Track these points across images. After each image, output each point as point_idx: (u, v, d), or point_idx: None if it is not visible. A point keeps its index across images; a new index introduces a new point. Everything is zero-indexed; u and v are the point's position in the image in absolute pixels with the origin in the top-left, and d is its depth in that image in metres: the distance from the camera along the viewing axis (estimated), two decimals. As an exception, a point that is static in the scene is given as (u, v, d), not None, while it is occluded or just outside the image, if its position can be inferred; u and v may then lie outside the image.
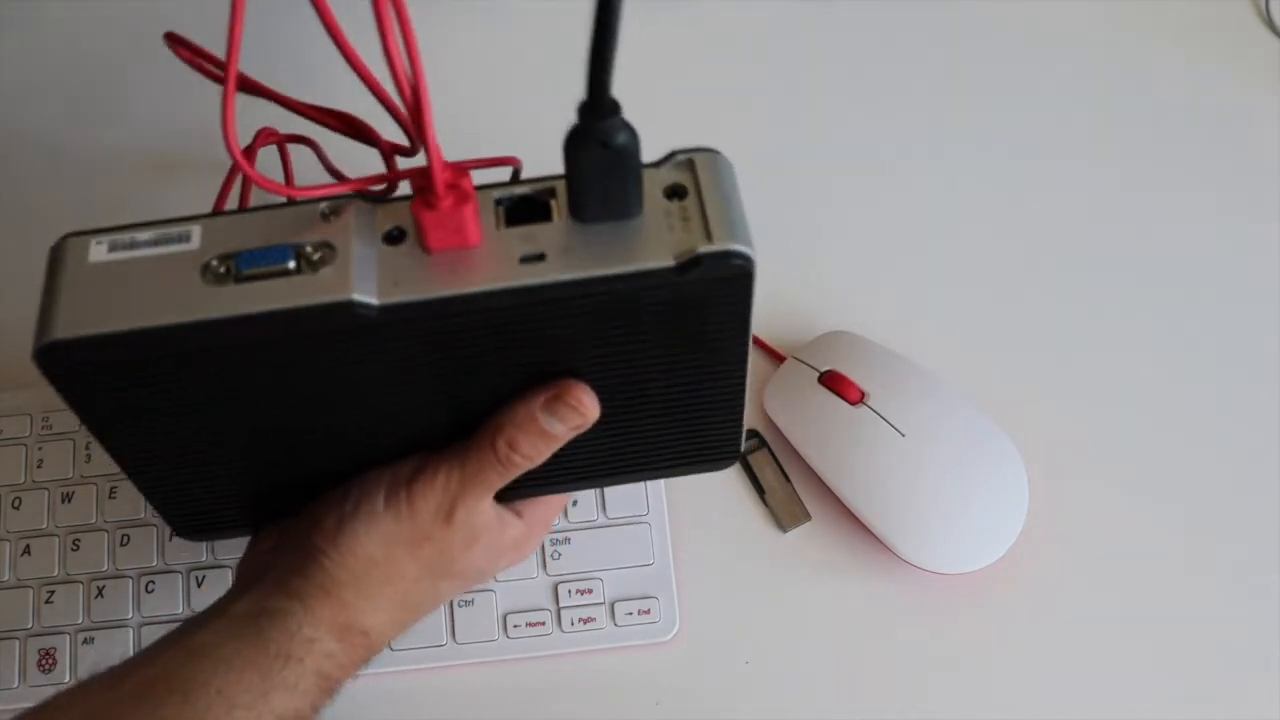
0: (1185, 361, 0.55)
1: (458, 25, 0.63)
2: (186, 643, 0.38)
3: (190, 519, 0.42)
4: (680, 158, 0.34)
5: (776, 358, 0.54)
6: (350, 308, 0.32)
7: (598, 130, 0.31)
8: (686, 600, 0.50)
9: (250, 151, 0.55)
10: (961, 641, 0.49)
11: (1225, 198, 0.59)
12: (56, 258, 0.33)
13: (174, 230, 0.33)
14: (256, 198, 0.47)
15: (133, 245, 0.33)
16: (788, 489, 0.52)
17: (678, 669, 0.49)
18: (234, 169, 0.55)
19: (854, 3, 0.64)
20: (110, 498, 0.51)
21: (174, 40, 0.42)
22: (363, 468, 0.39)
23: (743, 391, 0.38)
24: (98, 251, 0.33)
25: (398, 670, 0.48)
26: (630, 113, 0.32)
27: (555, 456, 0.38)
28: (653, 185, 0.33)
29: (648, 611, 0.49)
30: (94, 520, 0.51)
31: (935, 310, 0.56)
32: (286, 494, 0.40)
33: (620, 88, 0.32)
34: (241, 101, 0.32)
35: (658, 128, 0.35)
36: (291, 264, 0.32)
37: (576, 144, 0.31)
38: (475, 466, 0.38)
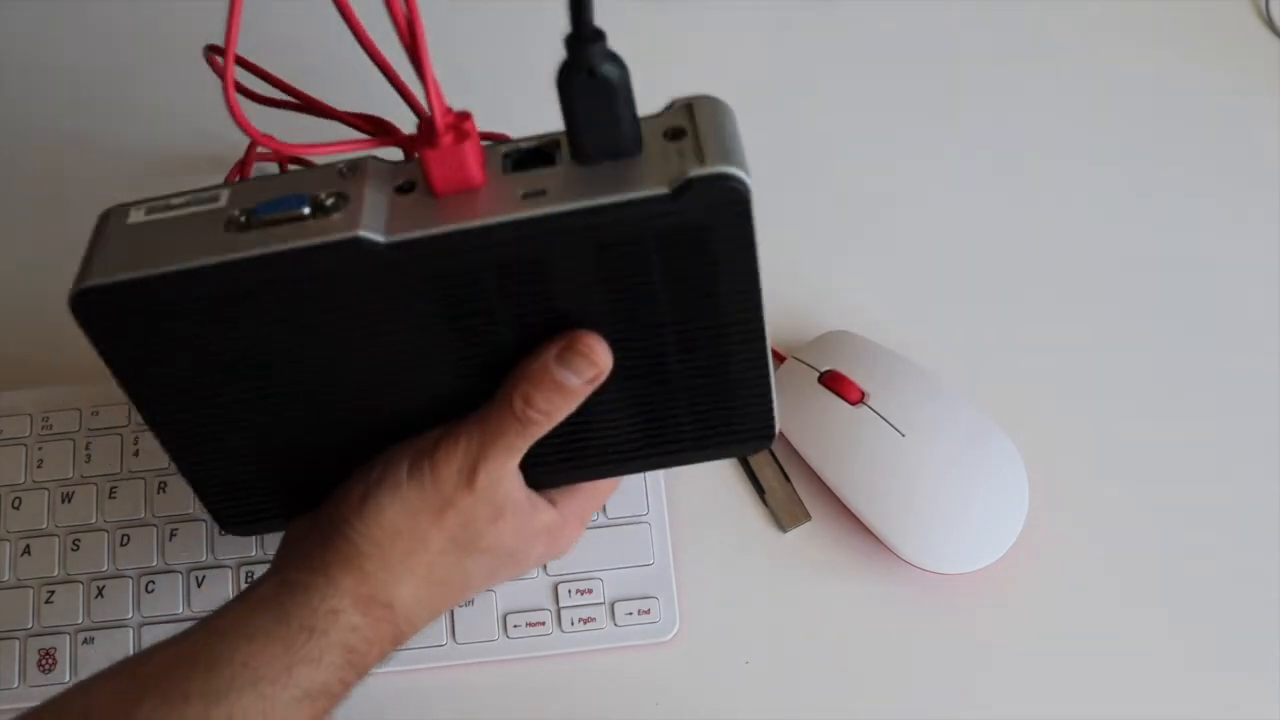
0: (1185, 361, 0.55)
1: (469, 17, 0.63)
2: (214, 621, 0.38)
3: (227, 503, 0.42)
4: (680, 103, 0.35)
5: (776, 358, 0.54)
6: (357, 244, 0.33)
7: (583, 57, 0.32)
8: (686, 600, 0.50)
9: (245, 163, 0.55)
10: (961, 641, 0.49)
11: (1225, 198, 0.59)
12: (101, 222, 0.36)
13: (205, 194, 0.35)
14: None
15: (167, 208, 0.35)
16: (788, 489, 0.52)
17: (678, 669, 0.49)
18: (237, 163, 0.55)
19: (855, 4, 0.64)
20: (110, 498, 0.51)
21: (215, 51, 0.42)
22: (388, 445, 0.40)
23: (765, 351, 0.38)
24: (136, 215, 0.35)
25: (398, 670, 0.48)
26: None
27: (582, 432, 0.39)
28: (653, 131, 0.34)
29: (648, 611, 0.49)
30: (94, 520, 0.51)
31: (935, 310, 0.56)
32: (317, 479, 0.41)
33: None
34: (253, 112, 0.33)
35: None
36: (306, 210, 0.34)
37: (565, 76, 0.32)
38: (495, 427, 0.38)
